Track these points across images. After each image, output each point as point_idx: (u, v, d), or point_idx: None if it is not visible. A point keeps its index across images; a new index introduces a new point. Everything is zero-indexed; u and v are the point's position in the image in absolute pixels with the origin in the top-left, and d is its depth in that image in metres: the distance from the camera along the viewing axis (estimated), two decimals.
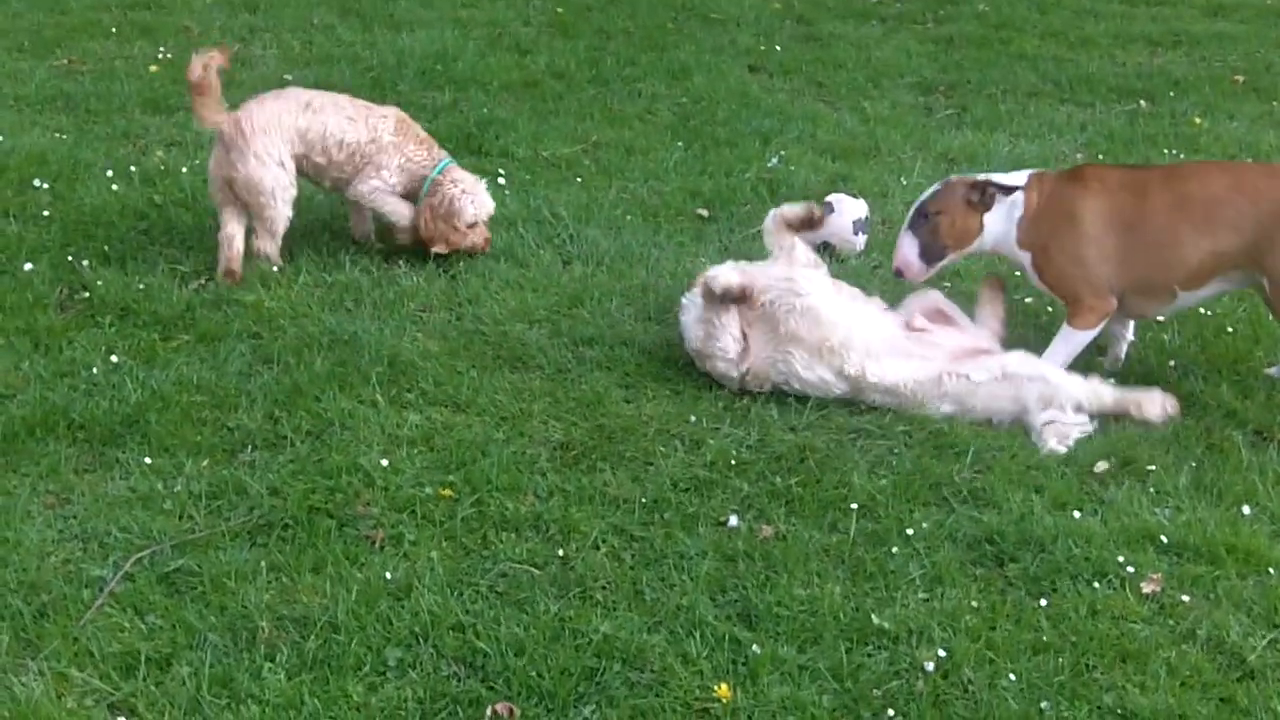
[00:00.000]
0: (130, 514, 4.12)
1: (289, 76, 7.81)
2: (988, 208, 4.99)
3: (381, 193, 5.65)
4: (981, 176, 5.07)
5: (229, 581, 3.84)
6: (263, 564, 3.92)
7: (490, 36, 8.99)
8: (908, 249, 5.07)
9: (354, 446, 4.46)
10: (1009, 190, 4.99)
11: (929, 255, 5.06)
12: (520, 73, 8.30)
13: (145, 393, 4.71)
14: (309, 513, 4.14)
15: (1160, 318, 5.28)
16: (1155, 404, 4.82)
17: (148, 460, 4.38)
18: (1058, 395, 4.78)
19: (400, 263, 5.74)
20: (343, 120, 5.59)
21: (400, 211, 5.69)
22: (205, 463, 4.39)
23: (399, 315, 5.31)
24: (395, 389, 4.81)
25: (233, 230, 5.48)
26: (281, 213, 5.48)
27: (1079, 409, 4.78)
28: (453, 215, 5.61)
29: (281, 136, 5.44)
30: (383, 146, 5.62)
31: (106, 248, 5.72)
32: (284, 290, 5.42)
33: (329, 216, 6.09)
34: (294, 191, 5.52)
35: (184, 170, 6.51)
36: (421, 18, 9.28)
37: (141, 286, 5.39)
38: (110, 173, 6.44)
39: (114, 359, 4.91)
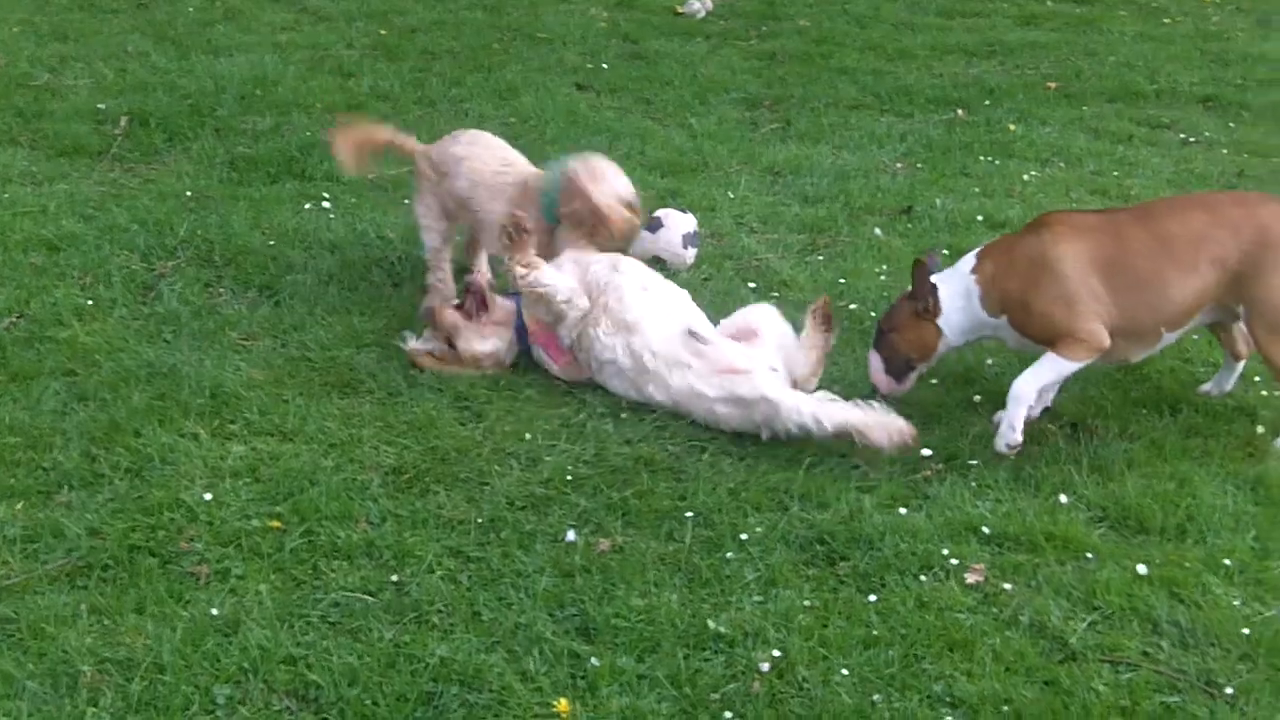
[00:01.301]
0: None
1: (102, 105, 7.63)
2: (936, 314, 4.85)
3: None
4: (920, 284, 4.86)
5: (48, 627, 3.72)
6: (83, 606, 3.81)
7: (312, 60, 8.89)
8: (875, 367, 4.97)
9: (175, 481, 4.36)
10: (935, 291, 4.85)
11: (895, 370, 4.95)
12: (343, 95, 8.21)
13: None
14: (130, 552, 4.03)
15: (1137, 360, 5.08)
16: (881, 432, 4.70)
17: None
18: (779, 416, 4.78)
19: (221, 291, 5.63)
20: None
21: None
22: (20, 505, 4.25)
23: (221, 345, 5.21)
24: (218, 420, 4.72)
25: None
26: None
27: (802, 429, 4.76)
28: None
29: None
30: None
31: None
32: (99, 324, 5.28)
33: (144, 247, 5.95)
34: None
35: None
36: (240, 42, 9.14)
37: None
38: None
39: None
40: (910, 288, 4.91)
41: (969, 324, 4.88)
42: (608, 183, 5.39)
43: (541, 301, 5.07)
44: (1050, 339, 4.73)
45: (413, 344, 5.17)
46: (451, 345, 5.13)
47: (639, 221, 5.50)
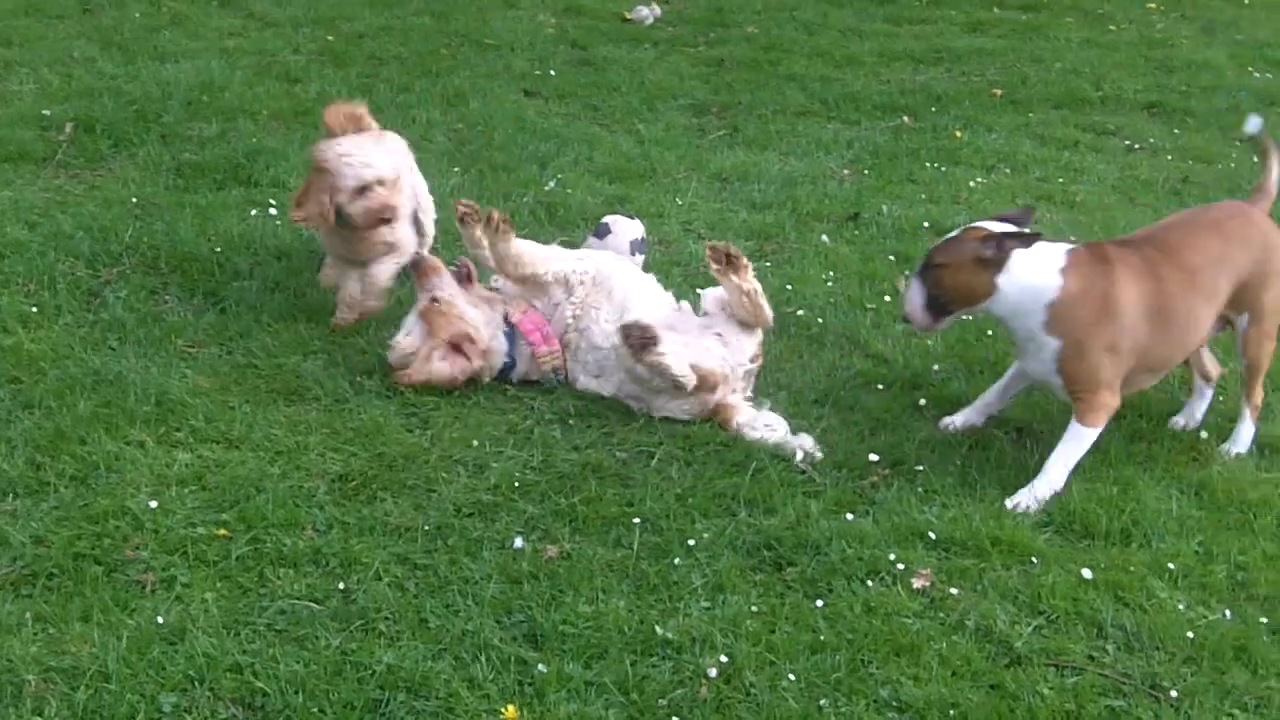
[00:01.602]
0: None
1: (47, 111, 7.56)
2: (999, 266, 4.48)
3: None
4: (1000, 227, 4.53)
5: None
6: (28, 615, 3.77)
7: (259, 66, 8.82)
8: (915, 296, 4.60)
9: (121, 489, 4.33)
10: (1028, 241, 4.51)
11: (935, 308, 4.59)
12: (290, 102, 8.17)
13: None
14: (75, 560, 3.99)
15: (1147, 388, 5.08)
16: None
17: None
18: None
19: (167, 298, 5.60)
20: None
21: None
22: None
23: (166, 352, 5.17)
24: (164, 428, 4.68)
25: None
26: None
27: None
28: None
29: None
30: None
31: None
32: (44, 331, 5.24)
33: (90, 254, 5.91)
34: None
35: None
36: (187, 48, 9.06)
37: None
38: None
39: None
40: (989, 232, 4.53)
41: (1020, 309, 4.55)
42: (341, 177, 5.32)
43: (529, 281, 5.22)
44: (1079, 388, 4.59)
45: (400, 339, 5.13)
46: (435, 300, 5.13)
47: (393, 200, 5.39)
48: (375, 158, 5.39)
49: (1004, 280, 4.50)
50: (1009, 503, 4.56)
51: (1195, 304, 4.69)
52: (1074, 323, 4.52)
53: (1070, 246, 4.64)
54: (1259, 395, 4.98)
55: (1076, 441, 4.62)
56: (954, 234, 4.65)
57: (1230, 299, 4.78)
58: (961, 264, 4.50)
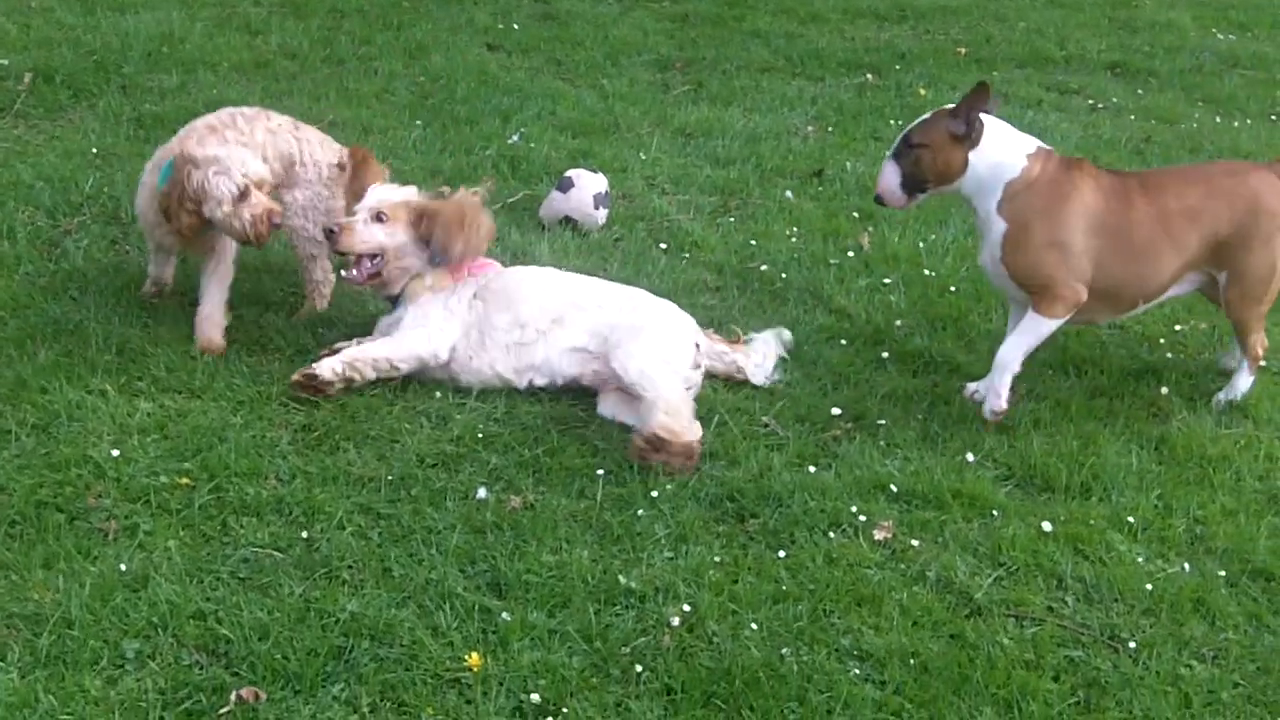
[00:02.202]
0: None
1: (5, 61, 7.47)
2: (974, 142, 4.65)
3: None
4: (973, 104, 4.66)
5: None
6: None
7: (219, 17, 8.74)
8: (890, 176, 4.75)
9: (83, 438, 4.31)
10: (985, 104, 4.66)
11: (910, 186, 4.76)
12: (251, 53, 8.10)
13: None
14: (37, 508, 3.98)
15: (1102, 323, 5.23)
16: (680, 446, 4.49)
17: None
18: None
19: (128, 249, 5.56)
20: None
21: None
22: None
23: (128, 303, 5.13)
24: (125, 377, 4.66)
25: None
26: None
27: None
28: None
29: None
30: None
31: None
32: (4, 281, 5.19)
33: (50, 204, 5.85)
34: None
35: None
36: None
37: None
38: None
39: None
40: (955, 105, 4.71)
41: (982, 188, 4.71)
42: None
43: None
44: (1030, 280, 4.70)
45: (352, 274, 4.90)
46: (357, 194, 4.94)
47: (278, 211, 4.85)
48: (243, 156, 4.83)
49: (975, 156, 4.68)
50: (967, 389, 4.77)
51: (1158, 242, 4.74)
52: (1023, 208, 4.66)
53: (1049, 147, 4.79)
54: (1257, 349, 4.98)
55: (1033, 330, 4.73)
56: (925, 117, 4.77)
57: (1206, 254, 4.80)
58: (938, 143, 4.69)
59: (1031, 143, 4.75)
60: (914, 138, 4.73)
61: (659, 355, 4.68)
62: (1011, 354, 4.72)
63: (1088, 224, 4.68)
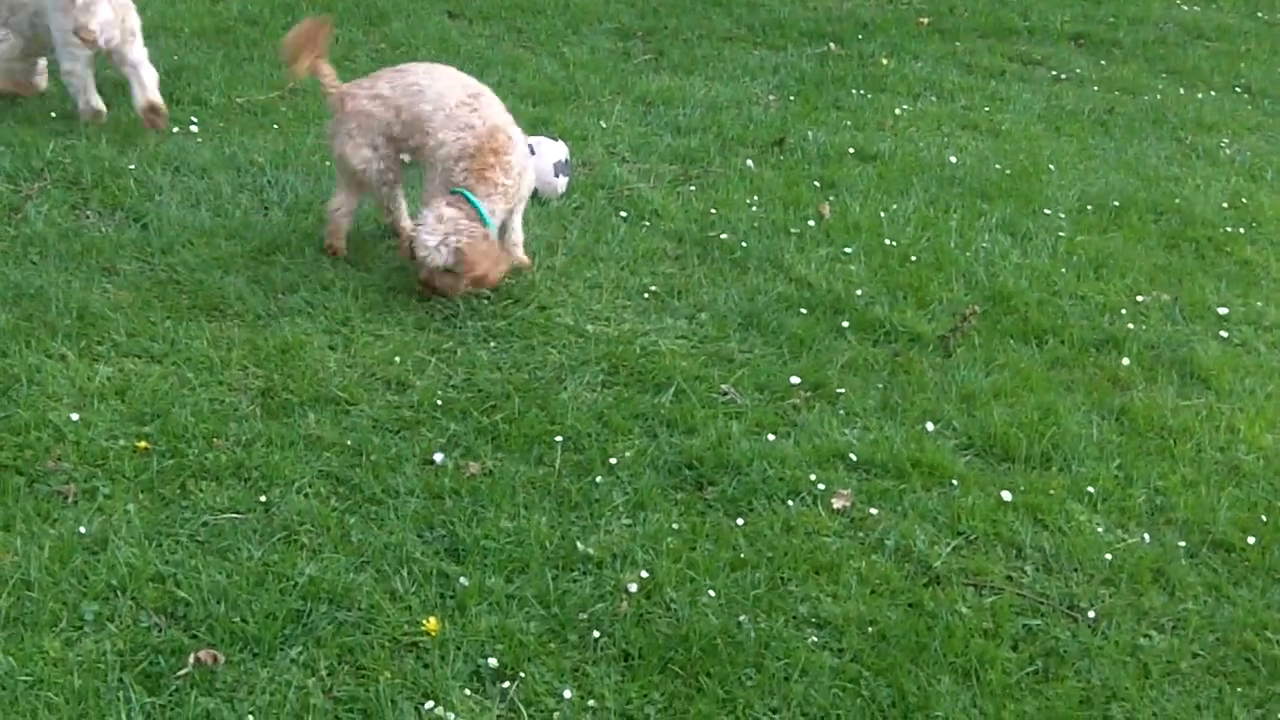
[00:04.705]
0: None
1: None
2: None
3: None
4: None
5: None
6: None
7: None
8: None
9: (42, 402, 4.29)
10: None
11: None
12: (212, 20, 8.04)
13: None
14: None
15: None
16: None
17: None
18: None
19: (89, 214, 5.52)
20: None
21: None
22: None
23: (88, 267, 5.11)
24: (85, 342, 4.63)
25: None
26: None
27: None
28: None
29: None
30: None
31: None
32: None
33: (11, 169, 5.81)
34: None
35: None
36: None
37: None
38: None
39: None
40: None
41: None
42: None
43: None
44: None
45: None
46: None
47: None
48: None
49: None
50: None
51: None
52: None
53: None
54: None
55: None
56: None
57: None
58: None
59: None
60: None
61: None
62: None
63: None
